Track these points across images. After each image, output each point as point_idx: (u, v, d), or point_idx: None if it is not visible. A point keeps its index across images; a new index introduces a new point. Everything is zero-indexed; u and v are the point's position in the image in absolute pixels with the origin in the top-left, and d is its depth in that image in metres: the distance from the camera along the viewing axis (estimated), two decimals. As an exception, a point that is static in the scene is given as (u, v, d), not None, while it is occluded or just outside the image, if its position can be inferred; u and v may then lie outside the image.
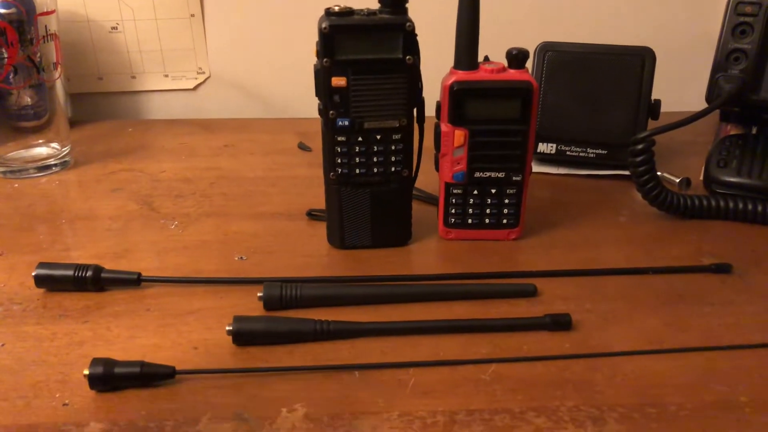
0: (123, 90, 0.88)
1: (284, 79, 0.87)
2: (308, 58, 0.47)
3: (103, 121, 0.85)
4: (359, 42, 0.45)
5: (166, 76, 0.87)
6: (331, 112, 0.47)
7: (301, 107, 0.87)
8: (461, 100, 0.48)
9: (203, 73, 0.87)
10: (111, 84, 0.87)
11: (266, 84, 0.89)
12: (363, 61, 0.46)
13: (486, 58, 0.50)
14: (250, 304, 0.44)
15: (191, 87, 0.88)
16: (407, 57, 0.46)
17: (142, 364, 0.37)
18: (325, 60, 0.45)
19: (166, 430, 0.34)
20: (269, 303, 0.44)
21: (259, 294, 0.44)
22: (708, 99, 0.60)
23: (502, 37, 0.55)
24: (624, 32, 0.81)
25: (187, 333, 0.42)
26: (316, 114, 0.48)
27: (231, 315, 0.41)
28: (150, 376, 0.37)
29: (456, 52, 0.48)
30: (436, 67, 0.52)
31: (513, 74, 0.48)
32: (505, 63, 0.49)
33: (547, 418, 0.35)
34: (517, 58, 0.49)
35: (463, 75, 0.48)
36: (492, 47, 0.51)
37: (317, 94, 0.47)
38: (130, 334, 0.42)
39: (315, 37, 0.46)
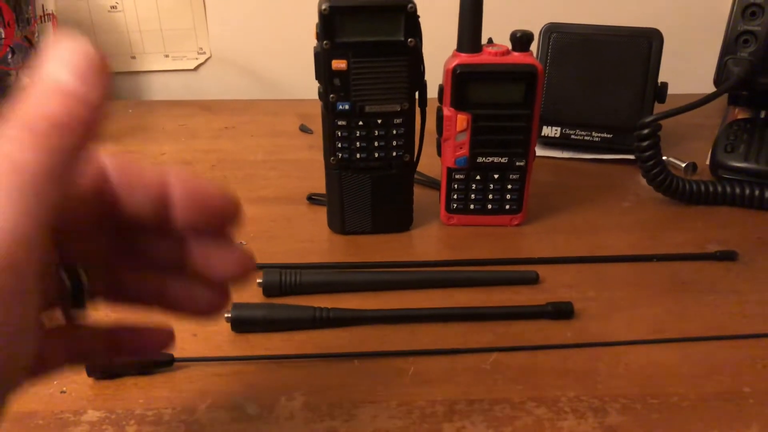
0: (123, 70, 0.87)
1: (286, 60, 0.86)
2: (310, 39, 0.46)
3: (103, 102, 0.84)
4: (360, 24, 0.44)
5: (167, 56, 0.86)
6: (331, 95, 0.46)
7: (303, 89, 0.86)
8: (464, 83, 0.47)
9: (204, 53, 0.86)
10: (111, 64, 0.86)
11: (268, 65, 0.88)
12: (364, 43, 0.45)
13: (489, 41, 0.49)
14: (249, 290, 0.44)
15: (192, 68, 0.87)
16: (409, 39, 0.45)
17: (139, 351, 0.37)
18: (324, 42, 0.44)
19: (164, 418, 0.34)
20: (268, 289, 0.43)
21: (258, 280, 0.43)
22: (716, 82, 0.59)
23: (506, 19, 0.54)
24: (631, 13, 0.80)
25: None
26: (317, 96, 0.47)
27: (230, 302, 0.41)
28: (148, 364, 0.37)
29: (459, 35, 0.47)
30: (439, 49, 0.51)
31: (517, 57, 0.47)
32: (509, 46, 0.48)
33: (548, 409, 0.35)
34: (521, 40, 0.48)
35: (466, 58, 0.47)
36: (496, 29, 0.50)
37: (317, 77, 0.46)
38: (128, 320, 0.42)
39: (316, 18, 0.45)
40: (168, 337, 0.29)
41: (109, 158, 0.23)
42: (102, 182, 0.24)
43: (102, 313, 0.27)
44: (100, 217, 0.24)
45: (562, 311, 0.42)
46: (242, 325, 0.40)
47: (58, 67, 0.20)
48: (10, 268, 0.19)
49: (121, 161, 0.24)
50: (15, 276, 0.19)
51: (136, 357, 0.29)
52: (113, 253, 0.26)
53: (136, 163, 0.24)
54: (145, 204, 0.24)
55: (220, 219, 0.25)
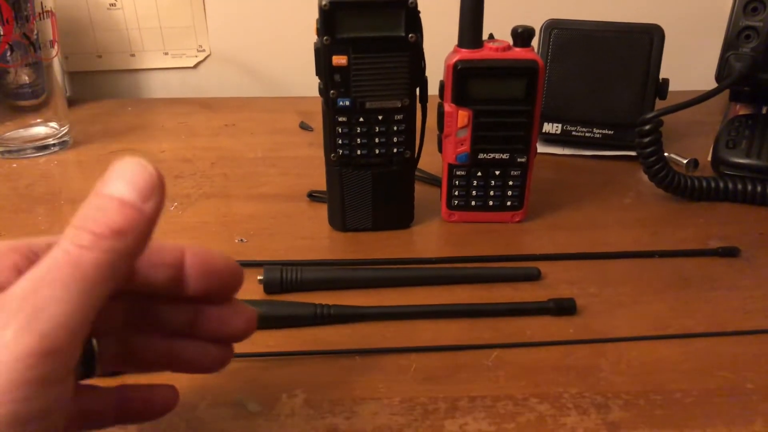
0: (122, 68, 0.86)
1: (285, 57, 0.86)
2: (309, 36, 0.46)
3: (103, 100, 0.84)
4: (360, 19, 0.44)
5: (166, 54, 0.86)
6: (331, 91, 0.46)
7: (303, 86, 0.86)
8: (465, 79, 0.47)
9: (203, 50, 0.86)
10: (110, 62, 0.86)
11: (267, 62, 0.87)
12: (364, 39, 0.45)
13: (491, 36, 0.49)
14: (250, 287, 0.44)
15: (191, 65, 0.87)
16: (410, 35, 0.45)
17: (140, 348, 0.36)
18: (325, 38, 0.44)
19: (164, 416, 0.34)
20: (269, 286, 0.43)
21: (259, 277, 0.43)
22: (718, 78, 0.59)
23: (507, 15, 0.54)
24: (632, 9, 0.80)
25: (186, 317, 0.41)
26: (317, 93, 0.47)
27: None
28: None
29: (460, 30, 0.47)
30: (439, 45, 0.51)
31: (518, 53, 0.47)
32: (510, 41, 0.48)
33: (551, 405, 0.34)
34: (522, 36, 0.47)
35: (467, 53, 0.47)
36: (497, 25, 0.50)
37: (318, 73, 0.46)
38: (128, 317, 0.41)
39: (316, 15, 0.45)
40: (174, 395, 0.30)
41: None
42: None
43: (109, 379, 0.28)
44: (118, 290, 0.26)
45: (564, 307, 0.41)
46: (243, 322, 0.40)
47: (120, 182, 0.22)
48: (56, 355, 0.20)
49: None
50: (60, 362, 0.21)
51: (143, 420, 0.29)
52: (127, 321, 0.28)
53: (154, 241, 0.26)
54: (163, 277, 0.26)
55: (228, 286, 0.28)
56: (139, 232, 0.22)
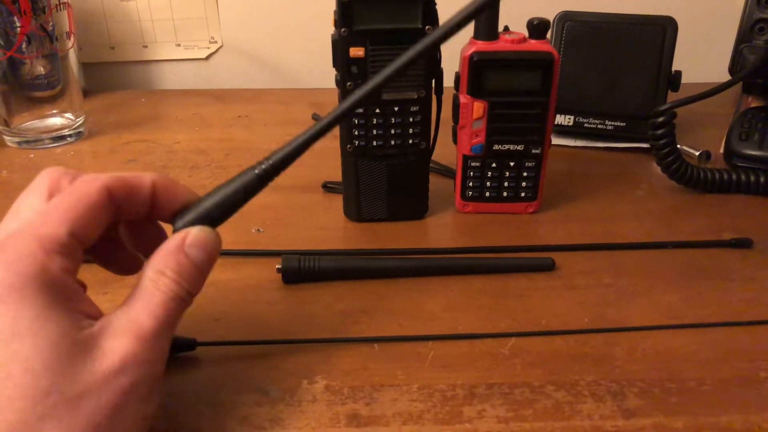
0: (135, 60, 0.87)
1: (298, 48, 0.86)
2: (322, 27, 0.46)
3: (116, 91, 0.84)
4: (378, 11, 0.45)
5: (179, 45, 0.87)
6: (348, 83, 0.46)
7: (315, 77, 0.86)
8: (481, 71, 0.47)
9: (216, 42, 0.87)
10: (123, 53, 0.86)
11: (279, 54, 0.88)
12: (381, 30, 0.45)
13: (506, 28, 0.49)
14: (269, 275, 0.44)
15: (204, 57, 0.87)
16: (426, 27, 0.45)
17: (163, 335, 0.37)
18: (343, 30, 0.45)
19: (188, 402, 0.34)
20: (288, 275, 0.44)
21: (277, 266, 0.44)
22: (731, 70, 0.59)
23: (521, 7, 0.54)
24: (645, 1, 0.80)
25: (206, 304, 0.42)
26: (329, 84, 0.47)
27: (250, 287, 0.41)
28: (170, 348, 0.37)
29: (475, 22, 0.48)
30: (455, 37, 0.51)
31: (534, 45, 0.48)
32: (526, 33, 0.48)
33: (567, 392, 0.35)
34: (538, 28, 0.48)
35: (482, 45, 0.47)
36: (512, 17, 0.50)
37: (335, 65, 0.46)
38: (149, 305, 0.42)
39: (330, 6, 0.45)
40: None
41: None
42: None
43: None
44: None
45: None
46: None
47: (203, 254, 0.33)
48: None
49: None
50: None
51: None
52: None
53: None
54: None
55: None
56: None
